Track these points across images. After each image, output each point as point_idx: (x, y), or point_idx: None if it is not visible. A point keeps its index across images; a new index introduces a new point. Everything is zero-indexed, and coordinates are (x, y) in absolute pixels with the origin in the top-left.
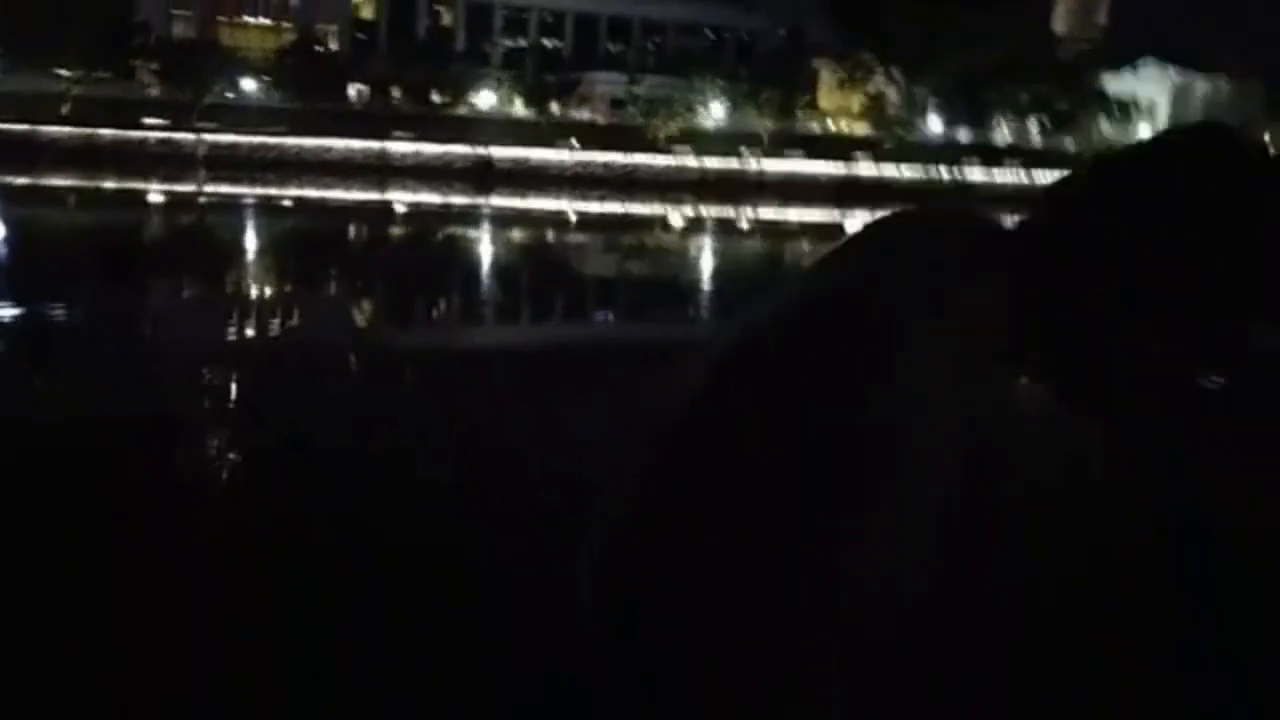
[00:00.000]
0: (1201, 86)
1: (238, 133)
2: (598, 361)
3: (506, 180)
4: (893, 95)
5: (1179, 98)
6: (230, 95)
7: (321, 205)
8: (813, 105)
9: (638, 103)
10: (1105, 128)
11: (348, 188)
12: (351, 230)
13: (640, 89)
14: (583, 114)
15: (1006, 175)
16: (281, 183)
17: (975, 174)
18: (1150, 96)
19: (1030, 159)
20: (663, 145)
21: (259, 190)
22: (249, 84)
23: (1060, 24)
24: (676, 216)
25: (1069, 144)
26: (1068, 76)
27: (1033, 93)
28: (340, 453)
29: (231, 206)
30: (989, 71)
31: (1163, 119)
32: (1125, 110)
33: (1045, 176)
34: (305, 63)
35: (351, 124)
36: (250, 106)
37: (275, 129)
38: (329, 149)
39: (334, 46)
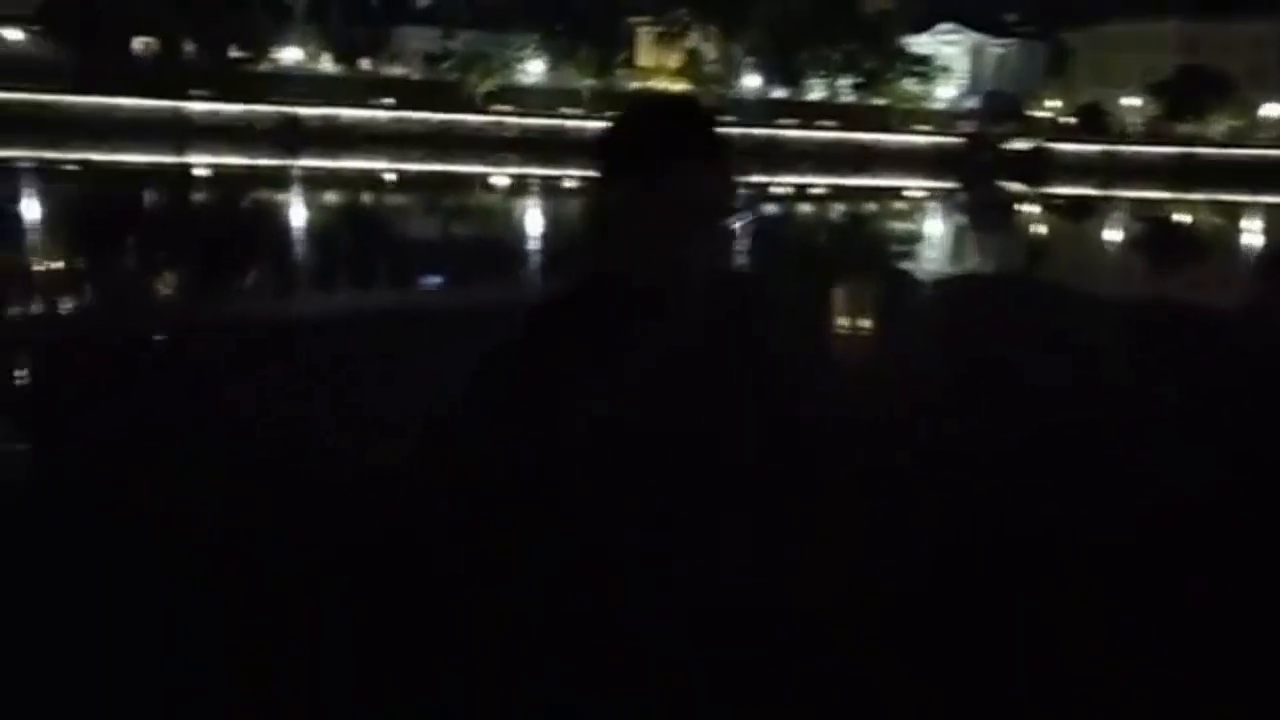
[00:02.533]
0: (994, 49)
1: (5, 90)
2: (421, 328)
3: (315, 140)
4: (709, 53)
5: (974, 58)
6: None
7: (112, 169)
8: (630, 63)
9: (453, 58)
10: (908, 86)
11: (140, 150)
12: (147, 196)
13: (456, 44)
14: (395, 70)
15: (818, 132)
16: (61, 145)
17: (789, 132)
18: (949, 56)
19: (840, 115)
20: (480, 103)
21: (35, 153)
22: (13, 34)
23: None
24: (497, 176)
25: (875, 100)
26: (873, 36)
27: (842, 51)
28: (166, 437)
29: (5, 171)
30: (800, 30)
31: (959, 77)
32: (926, 69)
33: (856, 135)
34: (80, 11)
35: (140, 81)
36: (17, 59)
37: (51, 85)
38: (116, 108)
39: None
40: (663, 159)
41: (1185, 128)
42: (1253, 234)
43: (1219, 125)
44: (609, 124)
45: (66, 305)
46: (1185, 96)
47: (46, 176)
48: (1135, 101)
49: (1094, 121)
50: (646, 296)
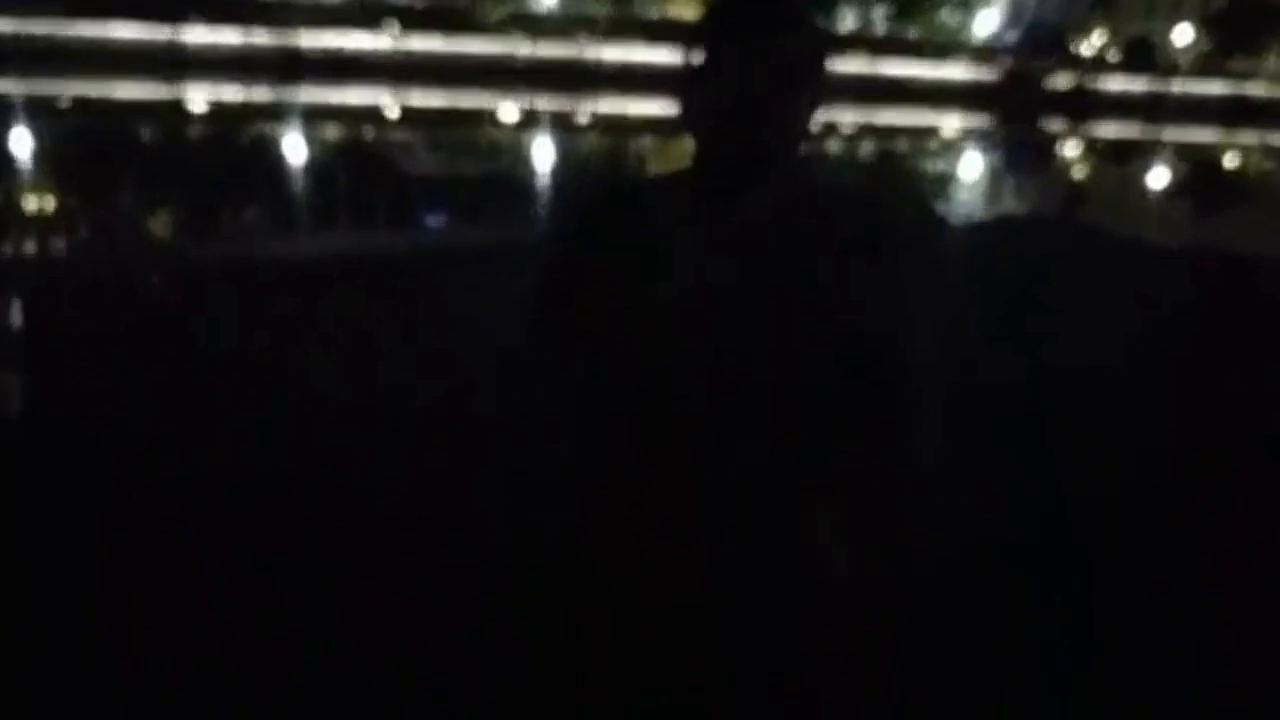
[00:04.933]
0: None
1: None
2: (429, 268)
3: (318, 70)
4: None
5: None
6: None
7: (106, 103)
8: None
9: None
10: (946, 16)
11: (136, 81)
12: (145, 132)
13: None
14: None
15: (850, 64)
16: (55, 76)
17: None
18: None
19: (874, 46)
20: (493, 28)
21: (26, 86)
22: None
23: None
24: (510, 109)
25: (911, 32)
26: None
27: None
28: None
29: None
30: None
31: (1002, 6)
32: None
33: (889, 69)
34: None
35: (134, 7)
36: None
37: (43, 12)
38: (109, 37)
39: None
40: (750, 26)
41: (1239, 64)
42: None
43: (1275, 60)
44: (705, 8)
45: (59, 245)
46: (1240, 29)
47: (39, 113)
48: (1187, 35)
49: (1142, 56)
50: (732, 175)
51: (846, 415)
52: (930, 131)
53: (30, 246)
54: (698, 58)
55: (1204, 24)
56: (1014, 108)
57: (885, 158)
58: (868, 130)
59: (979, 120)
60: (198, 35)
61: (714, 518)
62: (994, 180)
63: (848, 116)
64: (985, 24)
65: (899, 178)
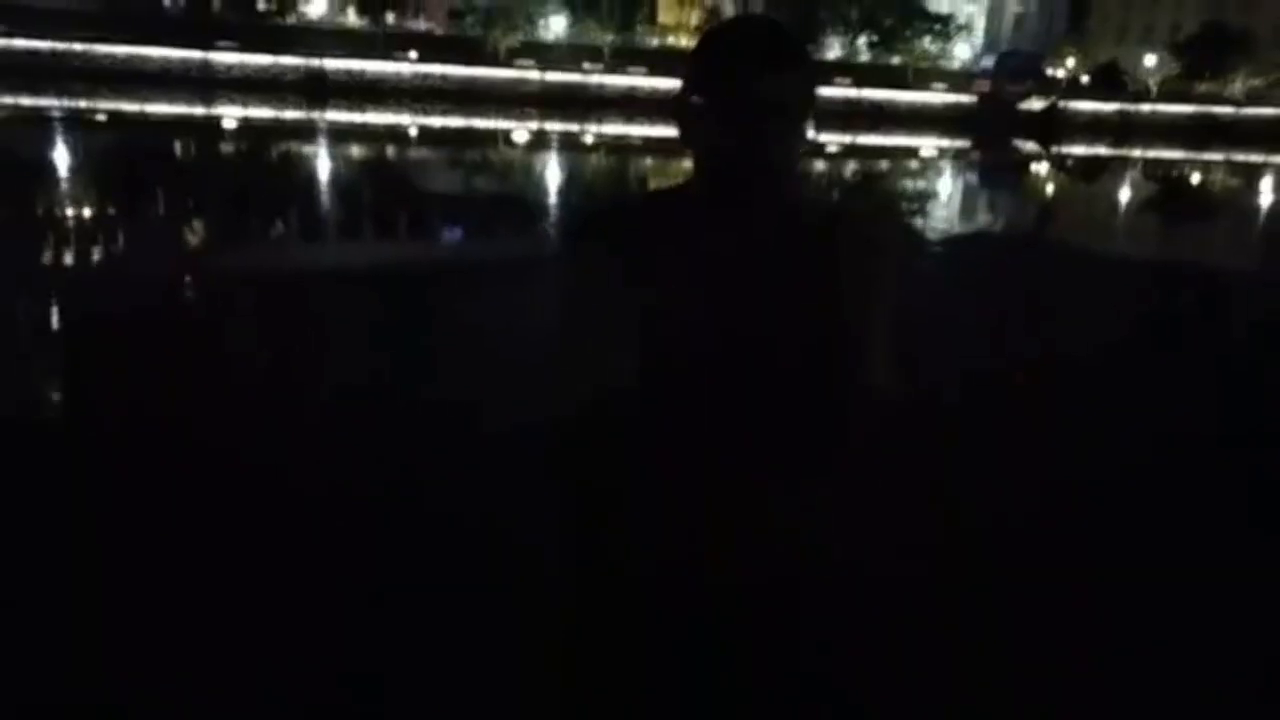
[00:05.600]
0: (1013, 7)
1: (35, 38)
2: (446, 280)
3: (341, 93)
4: (728, 10)
5: (993, 15)
6: None
7: (140, 120)
8: (652, 20)
9: (477, 13)
10: (926, 44)
11: (169, 101)
12: (177, 147)
13: None
14: (420, 24)
15: (836, 90)
16: (92, 95)
17: None
18: (969, 14)
19: (856, 73)
20: (504, 58)
21: (65, 103)
22: None
23: None
24: (520, 131)
25: (894, 59)
26: None
27: (860, 8)
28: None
29: (33, 120)
30: None
31: (979, 35)
32: (945, 27)
33: (871, 93)
34: None
35: (167, 31)
36: (46, 9)
37: (80, 35)
38: (145, 58)
39: None
40: (743, 66)
41: (1204, 86)
42: (1270, 195)
43: (1239, 84)
44: (699, 39)
45: (94, 256)
46: (1205, 54)
47: (75, 126)
48: (1155, 59)
49: (1111, 80)
50: (730, 197)
51: (816, 404)
52: (911, 152)
53: (67, 256)
54: (695, 88)
55: (1173, 49)
56: (988, 129)
57: (867, 177)
58: (851, 151)
59: (957, 141)
60: (227, 58)
61: (720, 490)
62: (971, 199)
63: (833, 138)
64: (963, 51)
65: (879, 195)
